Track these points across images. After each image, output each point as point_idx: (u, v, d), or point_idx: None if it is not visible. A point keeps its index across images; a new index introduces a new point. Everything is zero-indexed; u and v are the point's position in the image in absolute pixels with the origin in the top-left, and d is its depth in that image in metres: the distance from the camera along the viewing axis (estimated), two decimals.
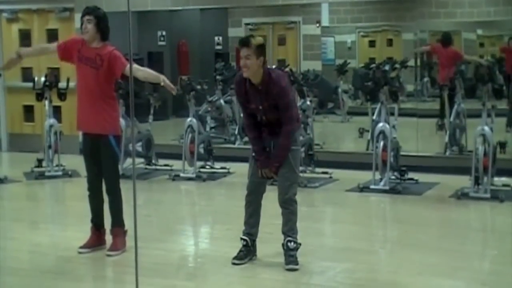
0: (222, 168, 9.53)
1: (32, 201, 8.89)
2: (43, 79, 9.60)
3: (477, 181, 7.84)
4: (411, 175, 8.58)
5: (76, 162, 8.77)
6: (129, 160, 9.17)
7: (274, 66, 9.84)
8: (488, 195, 7.75)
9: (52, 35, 11.51)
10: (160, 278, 5.34)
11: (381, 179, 8.35)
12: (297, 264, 5.46)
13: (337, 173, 9.09)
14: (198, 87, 9.56)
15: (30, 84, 9.92)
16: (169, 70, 11.99)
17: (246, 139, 9.70)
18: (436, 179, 8.77)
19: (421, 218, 7.36)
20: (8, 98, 12.06)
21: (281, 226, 5.55)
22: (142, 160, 9.74)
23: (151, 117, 9.77)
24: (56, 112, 10.06)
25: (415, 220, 7.25)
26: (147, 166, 9.74)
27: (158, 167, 9.75)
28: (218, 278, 5.42)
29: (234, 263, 5.59)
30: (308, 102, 9.17)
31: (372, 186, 8.32)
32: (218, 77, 11.15)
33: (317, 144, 9.70)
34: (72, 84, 9.18)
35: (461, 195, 7.85)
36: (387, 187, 8.25)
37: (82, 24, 5.89)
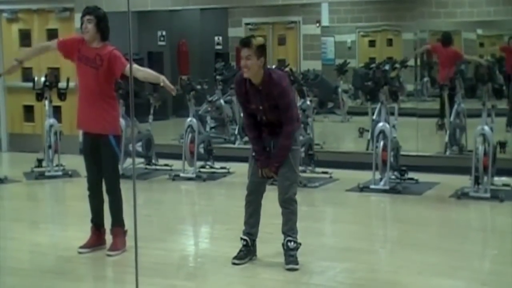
0: (222, 168, 9.53)
1: (32, 201, 8.89)
2: (43, 79, 9.60)
3: (477, 181, 7.84)
4: (411, 175, 8.58)
5: (76, 162, 8.77)
6: (129, 160, 9.17)
7: (274, 66, 9.84)
8: (488, 195, 7.75)
9: (52, 35, 11.48)
10: (160, 278, 5.34)
11: (381, 179, 8.35)
12: (297, 264, 5.46)
13: (337, 173, 9.09)
14: (198, 87, 9.57)
15: (30, 84, 9.92)
16: (169, 70, 12.00)
17: (246, 139, 9.70)
18: (436, 179, 8.77)
19: (421, 217, 7.36)
20: (8, 98, 12.06)
21: (281, 226, 5.55)
22: (142, 160, 9.74)
23: (151, 117, 9.77)
24: (56, 112, 10.06)
25: (415, 220, 7.25)
26: (147, 166, 9.74)
27: (158, 167, 9.75)
28: (218, 278, 5.43)
29: (234, 263, 5.59)
30: (308, 102, 9.17)
31: (372, 186, 8.32)
32: (218, 77, 11.15)
33: (317, 144, 9.71)
34: (72, 84, 9.21)
35: (461, 195, 7.85)
36: (387, 187, 8.25)
37: (82, 24, 5.89)
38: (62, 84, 9.64)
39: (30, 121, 11.94)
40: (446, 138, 9.52)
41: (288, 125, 5.44)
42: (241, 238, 5.66)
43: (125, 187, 6.03)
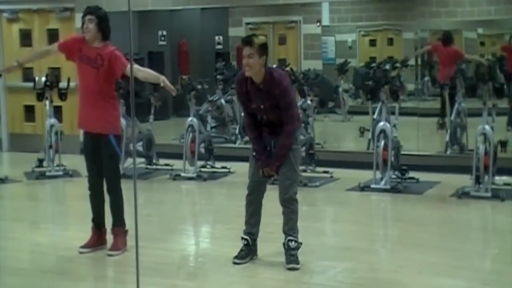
0: (223, 167, 9.53)
1: (33, 201, 8.90)
2: (43, 79, 9.61)
3: (478, 180, 7.84)
4: (412, 174, 8.57)
5: (77, 162, 8.78)
6: (130, 160, 9.17)
7: (274, 66, 9.83)
8: (489, 194, 7.75)
9: (52, 35, 11.50)
10: (161, 278, 5.34)
11: (381, 178, 8.35)
12: (298, 263, 5.46)
13: (337, 172, 9.09)
14: (199, 86, 9.57)
15: (31, 84, 9.92)
16: (169, 69, 12.00)
17: (246, 138, 9.69)
18: (437, 178, 8.77)
19: (422, 217, 7.36)
20: (8, 98, 12.06)
21: (281, 226, 5.56)
22: (143, 159, 9.74)
23: (151, 116, 9.77)
24: (57, 112, 10.06)
25: (416, 219, 7.25)
26: (148, 166, 9.74)
27: (159, 167, 9.75)
28: (219, 278, 5.43)
29: (235, 263, 5.59)
30: (309, 102, 9.16)
31: (372, 185, 8.32)
32: (218, 76, 11.15)
33: (318, 144, 9.70)
34: (72, 84, 9.21)
35: (462, 194, 7.85)
36: (388, 186, 8.25)
37: (83, 24, 5.89)
38: (62, 84, 9.65)
39: (30, 121, 11.94)
40: (447, 138, 9.52)
41: (289, 124, 5.44)
42: (242, 238, 5.66)
43: (125, 186, 6.03)
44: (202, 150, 9.41)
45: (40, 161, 9.64)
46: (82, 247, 6.00)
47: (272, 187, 5.82)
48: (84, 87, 5.93)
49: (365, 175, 8.54)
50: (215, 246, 6.46)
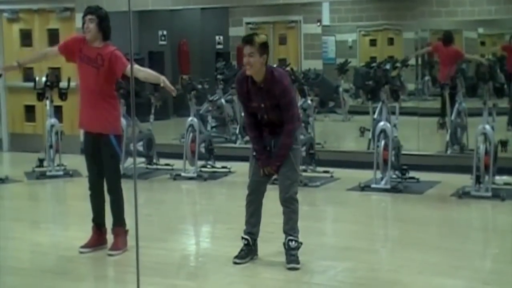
0: (223, 167, 9.53)
1: (33, 201, 8.90)
2: (44, 79, 9.61)
3: (478, 180, 7.84)
4: (412, 174, 8.57)
5: (77, 161, 8.79)
6: (130, 160, 9.16)
7: (275, 65, 9.83)
8: (489, 194, 7.75)
9: (53, 35, 11.51)
10: (161, 278, 5.34)
11: (382, 178, 8.35)
12: (298, 263, 5.46)
13: (338, 172, 9.09)
14: (199, 86, 9.57)
15: (31, 84, 9.92)
16: (170, 69, 12.00)
17: (247, 138, 9.70)
18: (437, 178, 8.77)
19: (422, 217, 7.36)
20: (9, 98, 12.06)
21: (282, 225, 5.55)
22: (143, 159, 9.74)
23: (152, 116, 9.77)
24: (57, 112, 10.06)
25: (416, 219, 7.25)
26: (148, 166, 9.74)
27: (159, 167, 9.75)
28: (219, 278, 5.43)
29: (235, 263, 5.59)
30: (309, 101, 9.16)
31: (373, 185, 8.32)
32: (219, 76, 11.16)
33: (318, 143, 9.70)
34: (73, 83, 9.21)
35: (463, 194, 7.85)
36: (388, 186, 8.25)
37: (84, 24, 5.89)
38: (63, 84, 9.65)
39: (31, 121, 11.95)
40: (447, 137, 9.52)
41: (289, 123, 5.44)
42: (242, 238, 5.66)
43: (126, 186, 6.03)
44: (203, 150, 9.41)
45: (41, 161, 9.64)
46: (82, 247, 6.01)
47: (272, 187, 5.82)
48: (84, 87, 5.94)
49: (365, 175, 8.54)
50: (216, 246, 6.46)
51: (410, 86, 10.89)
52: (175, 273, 5.62)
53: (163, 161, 9.80)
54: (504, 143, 8.63)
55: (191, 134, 9.23)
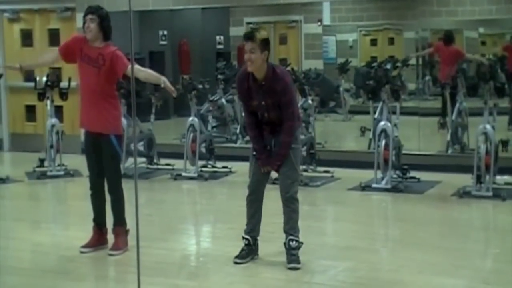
0: (223, 167, 9.53)
1: (34, 201, 8.90)
2: (44, 78, 9.60)
3: (479, 180, 7.83)
4: (413, 173, 8.57)
5: (78, 161, 8.79)
6: (131, 160, 9.16)
7: None
8: (490, 194, 7.75)
9: (53, 35, 11.52)
10: (162, 278, 5.35)
11: (382, 178, 8.35)
12: (299, 263, 5.46)
13: (338, 172, 9.09)
14: (200, 86, 9.57)
15: (32, 84, 9.92)
16: (170, 69, 12.00)
17: (247, 138, 9.69)
18: (438, 178, 8.77)
19: (423, 216, 7.36)
20: (10, 98, 12.07)
21: (282, 225, 5.55)
22: (144, 159, 9.74)
23: (152, 116, 9.77)
24: (58, 111, 10.05)
25: (417, 219, 7.25)
26: (149, 166, 9.74)
27: (160, 167, 9.75)
28: (220, 277, 5.43)
29: (236, 262, 5.59)
30: (310, 101, 9.16)
31: (374, 185, 8.32)
32: (219, 76, 11.16)
33: (319, 143, 9.70)
34: (73, 83, 9.22)
35: (463, 194, 7.84)
36: (389, 186, 8.25)
37: (84, 23, 5.89)
38: (63, 84, 9.65)
39: (32, 121, 11.95)
40: (448, 137, 9.52)
41: (289, 121, 5.43)
42: (243, 237, 5.66)
43: (127, 186, 6.03)
44: (203, 150, 9.41)
45: (41, 161, 9.65)
46: (83, 246, 6.01)
47: (272, 187, 5.82)
48: (85, 86, 5.94)
49: (366, 175, 8.54)
50: (216, 245, 6.46)
51: (411, 86, 10.88)
52: (176, 273, 5.62)
53: (163, 161, 9.80)
54: (505, 143, 8.64)
55: (191, 134, 9.23)
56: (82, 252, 5.97)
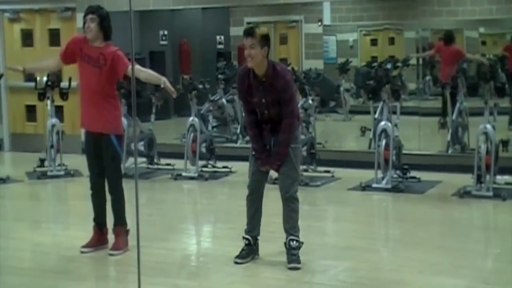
0: (224, 167, 9.53)
1: (34, 201, 8.90)
2: (45, 78, 9.60)
3: (479, 180, 7.83)
4: (413, 173, 8.57)
5: (79, 161, 8.79)
6: (131, 160, 9.16)
7: None
8: (490, 194, 7.75)
9: (54, 35, 11.52)
10: (162, 277, 5.35)
11: (383, 178, 8.35)
12: (299, 262, 5.46)
13: (339, 172, 9.09)
14: (200, 86, 9.56)
15: (32, 84, 9.92)
16: (171, 69, 12.00)
17: (248, 138, 9.69)
18: (438, 178, 8.77)
19: (423, 216, 7.36)
20: (10, 98, 12.07)
21: (282, 225, 5.55)
22: (144, 159, 9.74)
23: (153, 116, 9.77)
24: (58, 111, 10.05)
25: (417, 219, 7.25)
26: (149, 166, 9.74)
27: (160, 167, 9.75)
28: (220, 277, 5.43)
29: (236, 262, 5.59)
30: (310, 101, 9.15)
31: (374, 185, 8.32)
32: (220, 76, 11.17)
33: (319, 143, 9.70)
34: (74, 83, 9.21)
35: (464, 194, 7.84)
36: (389, 186, 8.25)
37: (84, 23, 5.89)
38: (64, 84, 9.64)
39: (32, 120, 11.95)
40: (448, 137, 9.52)
41: (288, 118, 5.42)
42: (243, 237, 5.66)
43: (127, 186, 6.03)
44: (204, 150, 9.41)
45: (42, 161, 9.65)
46: (83, 246, 6.01)
47: (272, 187, 5.83)
48: (85, 86, 5.93)
49: (366, 175, 8.54)
50: (217, 245, 6.46)
51: (411, 86, 10.88)
52: (176, 272, 5.62)
53: (164, 161, 9.80)
54: (505, 143, 8.63)
55: (192, 134, 9.23)
56: (82, 252, 5.97)
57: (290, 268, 5.43)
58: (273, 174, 5.81)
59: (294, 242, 5.49)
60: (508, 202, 7.59)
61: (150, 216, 7.25)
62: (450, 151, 9.53)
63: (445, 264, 5.57)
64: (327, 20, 11.00)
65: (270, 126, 5.54)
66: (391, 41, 11.61)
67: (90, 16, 5.86)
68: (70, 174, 9.48)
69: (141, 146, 9.55)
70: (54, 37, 11.47)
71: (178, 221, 7.42)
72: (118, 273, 5.79)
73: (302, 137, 8.28)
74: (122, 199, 5.98)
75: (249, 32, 5.39)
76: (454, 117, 9.39)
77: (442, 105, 10.07)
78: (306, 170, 8.77)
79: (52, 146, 9.47)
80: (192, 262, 6.09)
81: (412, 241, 6.36)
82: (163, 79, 5.81)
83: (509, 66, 10.35)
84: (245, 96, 5.57)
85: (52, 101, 9.58)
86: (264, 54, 5.36)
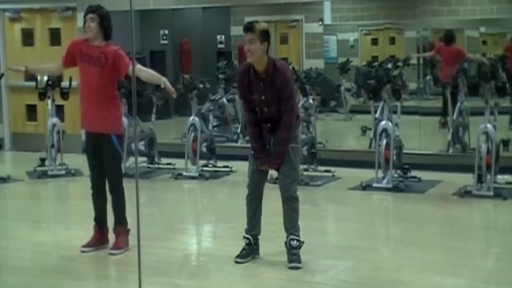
0: (224, 166, 9.53)
1: (35, 200, 8.90)
2: (45, 78, 9.60)
3: (480, 179, 7.83)
4: (414, 173, 8.57)
5: (79, 161, 8.80)
6: (131, 159, 9.17)
7: None
8: (491, 193, 7.74)
9: (54, 34, 11.52)
10: (163, 277, 5.35)
11: (383, 177, 8.35)
12: (300, 262, 5.46)
13: (339, 172, 9.09)
14: (201, 85, 9.56)
15: (33, 84, 9.91)
16: (171, 69, 12.00)
17: (248, 137, 9.70)
18: (439, 177, 8.77)
19: (424, 216, 7.36)
20: (10, 98, 12.07)
21: (283, 225, 5.55)
22: (144, 159, 9.75)
23: (153, 116, 9.77)
24: (59, 111, 10.06)
25: (418, 218, 7.25)
26: (150, 165, 9.75)
27: (160, 166, 9.75)
28: (221, 277, 5.43)
29: (237, 262, 5.59)
30: (311, 101, 9.15)
31: (374, 184, 8.32)
32: (220, 75, 11.16)
33: (320, 143, 9.70)
34: (74, 83, 9.21)
35: (464, 193, 7.84)
36: (389, 185, 8.25)
37: (85, 23, 5.90)
38: (64, 83, 9.64)
39: (32, 120, 11.95)
40: (449, 136, 9.51)
41: (287, 115, 5.42)
42: (244, 237, 5.66)
43: (127, 186, 6.02)
44: (204, 149, 9.41)
45: (42, 160, 9.65)
46: (84, 246, 6.01)
47: (272, 186, 5.82)
48: (86, 86, 5.93)
49: (367, 174, 8.54)
50: (217, 245, 6.46)
51: (412, 85, 10.88)
52: (177, 272, 5.62)
53: (164, 160, 9.80)
54: (506, 142, 8.62)
55: (192, 134, 9.23)
56: (83, 252, 5.97)
57: (291, 268, 5.43)
58: (273, 173, 5.81)
59: (295, 241, 5.49)
60: (508, 202, 7.58)
61: (151, 216, 7.25)
62: (450, 151, 9.52)
63: (445, 263, 5.57)
64: (327, 20, 10.99)
65: (270, 125, 5.54)
66: (392, 40, 11.60)
67: (90, 15, 5.86)
68: (70, 173, 9.48)
69: (141, 146, 9.56)
70: (54, 37, 11.46)
71: (179, 220, 7.42)
72: (119, 273, 5.79)
73: (303, 136, 8.29)
74: (123, 198, 5.98)
75: (249, 27, 5.39)
76: (454, 116, 9.38)
77: (443, 105, 10.07)
78: (306, 170, 8.77)
79: (52, 146, 9.48)
80: (192, 262, 6.09)
81: (413, 240, 6.36)
82: (163, 79, 5.81)
83: (509, 65, 10.34)
84: (245, 93, 5.57)
85: (53, 100, 9.58)
86: (263, 50, 5.36)
